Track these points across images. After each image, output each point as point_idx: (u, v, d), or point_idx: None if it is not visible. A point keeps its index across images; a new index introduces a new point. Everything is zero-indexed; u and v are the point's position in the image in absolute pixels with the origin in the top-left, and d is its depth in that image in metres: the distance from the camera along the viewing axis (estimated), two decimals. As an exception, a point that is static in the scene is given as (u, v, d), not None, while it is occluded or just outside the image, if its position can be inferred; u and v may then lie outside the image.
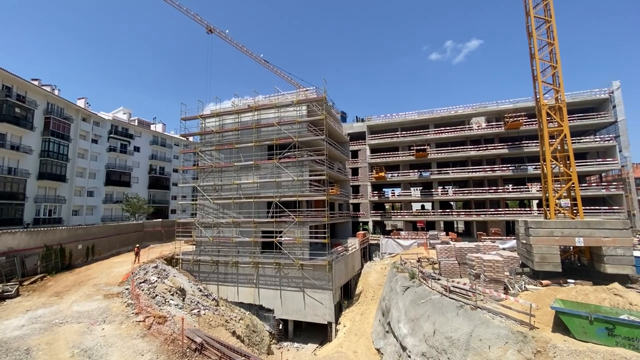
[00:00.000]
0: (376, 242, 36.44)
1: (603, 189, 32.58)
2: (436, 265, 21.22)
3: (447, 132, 39.57)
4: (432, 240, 31.32)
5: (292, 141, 25.63)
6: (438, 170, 39.74)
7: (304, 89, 31.93)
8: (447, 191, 40.76)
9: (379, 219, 43.08)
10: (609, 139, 33.27)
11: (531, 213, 35.49)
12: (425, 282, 17.24)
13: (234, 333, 18.49)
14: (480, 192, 37.31)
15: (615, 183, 32.99)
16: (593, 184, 35.59)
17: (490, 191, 36.75)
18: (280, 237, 24.74)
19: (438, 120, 40.98)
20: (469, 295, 14.20)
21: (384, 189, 47.24)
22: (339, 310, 24.03)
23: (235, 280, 25.49)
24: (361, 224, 43.74)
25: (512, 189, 36.96)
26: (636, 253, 17.67)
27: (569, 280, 14.74)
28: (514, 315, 12.30)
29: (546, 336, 10.79)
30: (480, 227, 37.96)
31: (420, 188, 43.42)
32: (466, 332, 12.39)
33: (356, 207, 44.22)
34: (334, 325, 22.03)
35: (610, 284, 13.08)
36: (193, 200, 29.90)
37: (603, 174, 36.10)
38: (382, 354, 16.84)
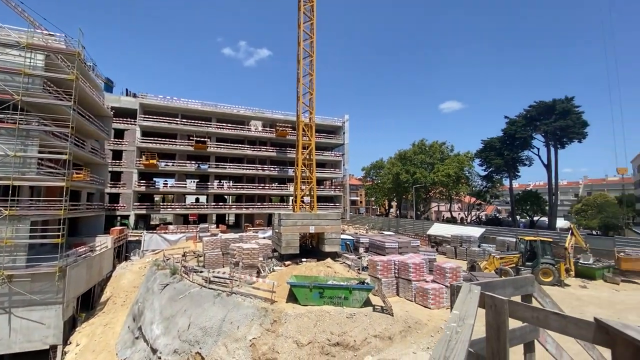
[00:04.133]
0: (138, 238, 31.94)
1: (332, 190, 44.76)
2: (202, 258, 21.25)
3: (229, 128, 41.03)
4: (202, 233, 31.24)
5: (11, 99, 17.80)
6: (216, 164, 40.32)
7: (47, 32, 23.17)
8: (223, 185, 42.19)
9: (144, 212, 38.09)
10: (339, 155, 46.14)
11: (288, 207, 43.12)
12: (187, 276, 16.83)
13: None
14: (251, 188, 41.26)
15: (339, 187, 46.15)
16: (327, 187, 48.07)
17: (259, 187, 41.52)
18: (-30, 237, 16.47)
19: (221, 115, 41.67)
20: (227, 283, 15.15)
21: (155, 179, 42.42)
22: (72, 327, 18.96)
23: None
24: (119, 218, 36.93)
25: (276, 186, 43.39)
26: (343, 236, 25.35)
27: (303, 260, 19.01)
28: (262, 294, 14.26)
29: (282, 307, 13.25)
30: (248, 219, 41.92)
31: (197, 180, 42.42)
32: (220, 318, 13.09)
33: (115, 197, 36.92)
34: (60, 347, 17.09)
35: (326, 259, 17.94)
36: None
37: (333, 180, 49.52)
38: (128, 364, 14.82)
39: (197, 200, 49.41)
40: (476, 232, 29.54)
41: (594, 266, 20.40)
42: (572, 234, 20.70)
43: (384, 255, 18.59)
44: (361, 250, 23.51)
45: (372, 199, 71.87)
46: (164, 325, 14.47)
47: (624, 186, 64.07)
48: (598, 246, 23.15)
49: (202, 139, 38.67)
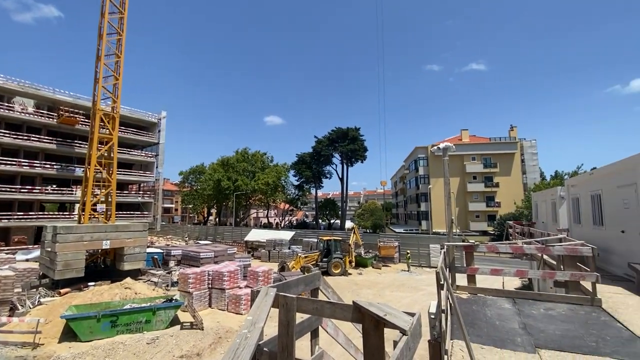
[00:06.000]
0: None
1: (139, 196, 38.40)
2: None
3: (-33, 102, 27.71)
4: None
5: None
6: None
7: None
8: (-52, 186, 27.79)
9: None
10: (151, 155, 40.26)
11: (73, 218, 33.38)
12: None
13: None
14: (7, 191, 29.24)
15: (149, 192, 40.21)
16: (133, 192, 40.83)
17: (24, 191, 30.08)
18: None
19: (-49, 79, 27.64)
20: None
21: None
22: None
23: None
24: None
25: (53, 190, 32.80)
26: (150, 250, 22.17)
27: (89, 284, 15.10)
28: (18, 339, 10.34)
29: (51, 350, 10.03)
30: (0, 235, 29.43)
31: None
32: None
33: None
34: None
35: (124, 280, 15.06)
36: None
37: (142, 184, 42.66)
38: None
39: None
40: (287, 235, 33.01)
41: (365, 256, 27.07)
42: (354, 232, 26.77)
43: (199, 267, 17.61)
44: (172, 263, 21.25)
45: (190, 206, 66.93)
46: None
47: (384, 196, 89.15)
48: (369, 241, 30.95)
49: None
